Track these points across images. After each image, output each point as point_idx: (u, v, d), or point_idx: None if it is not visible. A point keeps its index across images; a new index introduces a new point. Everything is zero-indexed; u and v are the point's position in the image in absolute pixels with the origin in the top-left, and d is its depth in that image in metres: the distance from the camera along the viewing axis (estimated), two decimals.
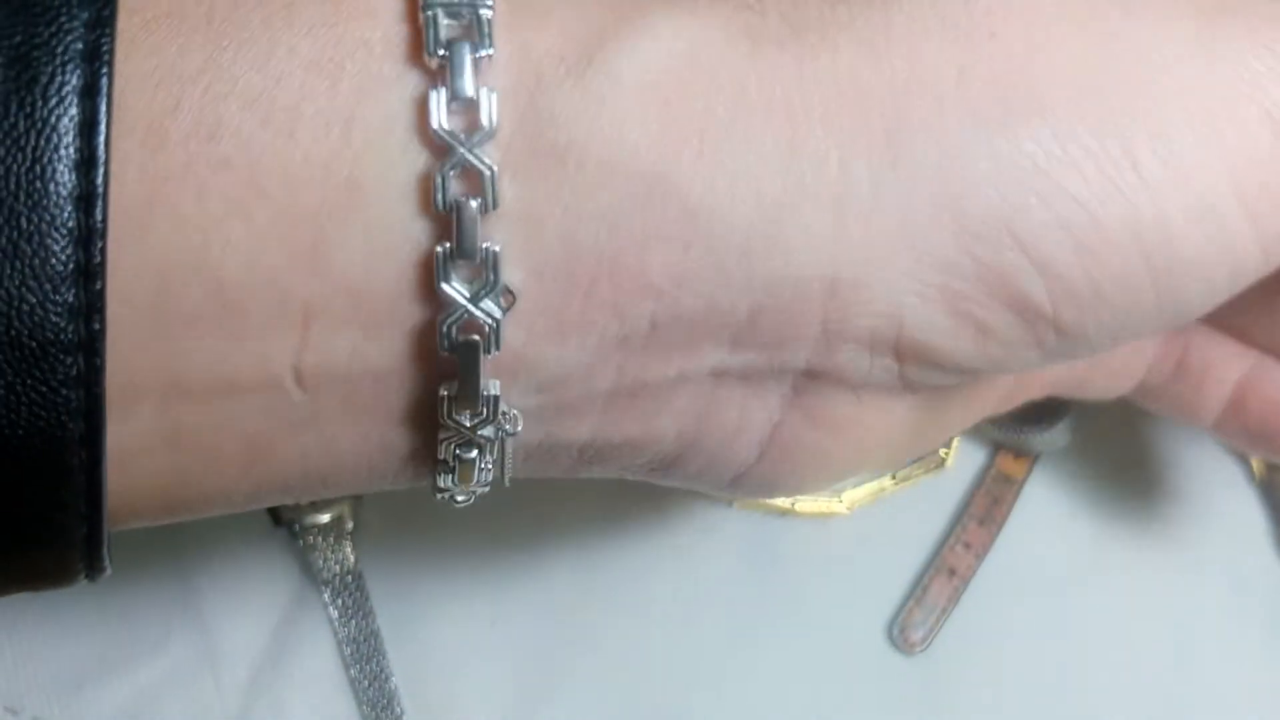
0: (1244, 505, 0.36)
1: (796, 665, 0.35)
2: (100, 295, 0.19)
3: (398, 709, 0.34)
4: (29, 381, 0.19)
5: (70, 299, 0.19)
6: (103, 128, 0.19)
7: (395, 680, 0.34)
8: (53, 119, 0.19)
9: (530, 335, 0.21)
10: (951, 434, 0.29)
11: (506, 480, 0.23)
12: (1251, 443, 0.31)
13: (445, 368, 0.21)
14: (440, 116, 0.20)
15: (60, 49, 0.19)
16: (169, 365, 0.20)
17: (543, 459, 0.24)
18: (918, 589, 0.35)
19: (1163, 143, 0.22)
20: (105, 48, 0.19)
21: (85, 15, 0.19)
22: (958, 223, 0.21)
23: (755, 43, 0.21)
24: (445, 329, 0.20)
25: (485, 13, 0.20)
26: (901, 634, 0.35)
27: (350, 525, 0.35)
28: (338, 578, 0.35)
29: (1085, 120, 0.22)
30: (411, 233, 0.20)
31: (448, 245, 0.20)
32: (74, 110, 0.19)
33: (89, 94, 0.19)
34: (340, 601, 0.35)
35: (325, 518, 0.35)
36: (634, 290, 0.21)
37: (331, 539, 0.35)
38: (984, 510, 0.36)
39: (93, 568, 0.22)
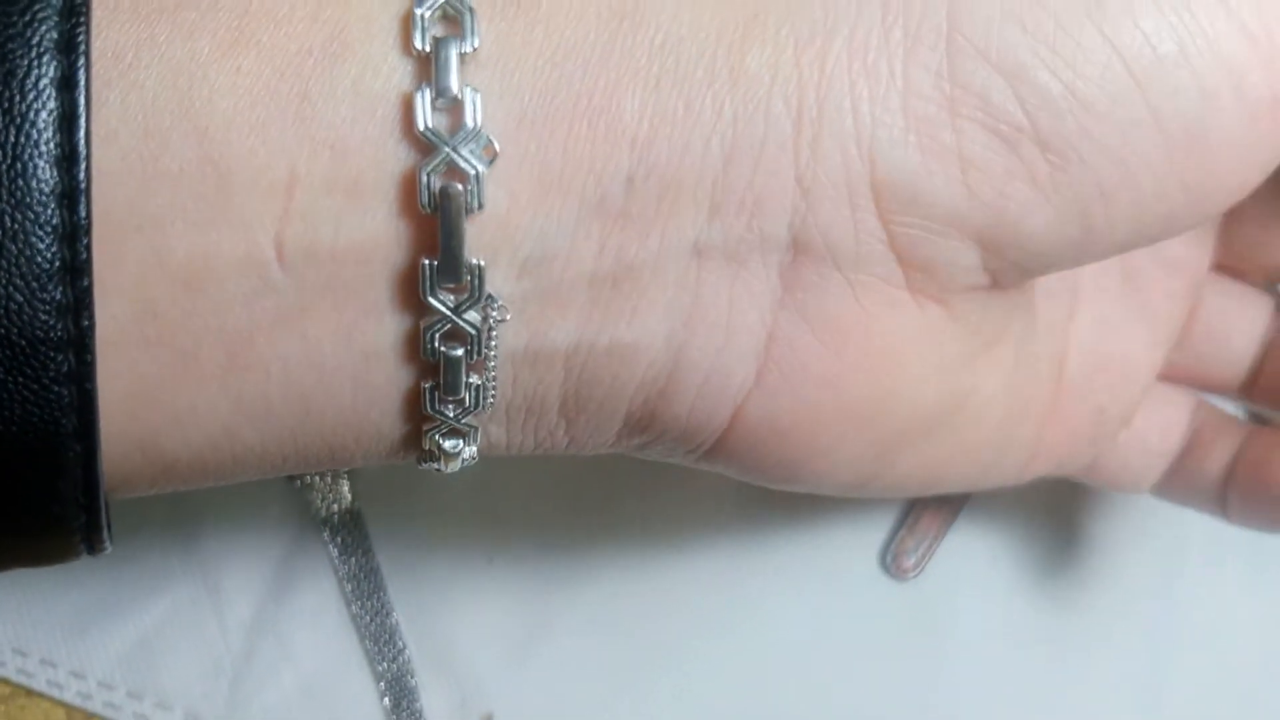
0: None
1: (791, 594, 0.35)
2: (88, 292, 0.19)
3: (400, 643, 0.35)
4: (20, 379, 0.19)
5: (58, 296, 0.18)
6: (82, 122, 0.18)
7: (396, 615, 0.35)
8: (31, 114, 0.18)
9: (512, 199, 0.21)
10: (982, 392, 0.26)
11: (490, 400, 0.22)
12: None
13: (427, 238, 0.21)
14: None
15: (35, 39, 0.18)
16: (149, 227, 0.20)
17: (529, 380, 0.23)
18: (910, 516, 0.35)
19: None
20: (80, 38, 0.19)
21: (58, 2, 0.19)
22: (912, 34, 0.21)
23: None
24: (426, 179, 0.20)
25: None
26: (894, 561, 0.35)
27: None
28: (336, 516, 0.35)
29: None
30: (393, 79, 0.20)
31: (428, 89, 0.20)
32: (52, 104, 0.18)
33: (66, 86, 0.18)
34: (339, 539, 0.35)
35: None
36: (610, 138, 0.21)
37: (329, 478, 0.35)
38: None
39: (93, 548, 0.22)
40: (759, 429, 0.23)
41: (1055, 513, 0.35)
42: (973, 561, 0.35)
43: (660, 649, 0.35)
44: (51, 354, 0.19)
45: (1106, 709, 0.34)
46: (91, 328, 0.19)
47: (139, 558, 0.35)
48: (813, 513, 0.36)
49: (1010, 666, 0.35)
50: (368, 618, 0.35)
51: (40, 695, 0.34)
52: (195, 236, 0.20)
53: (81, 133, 0.18)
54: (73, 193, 0.18)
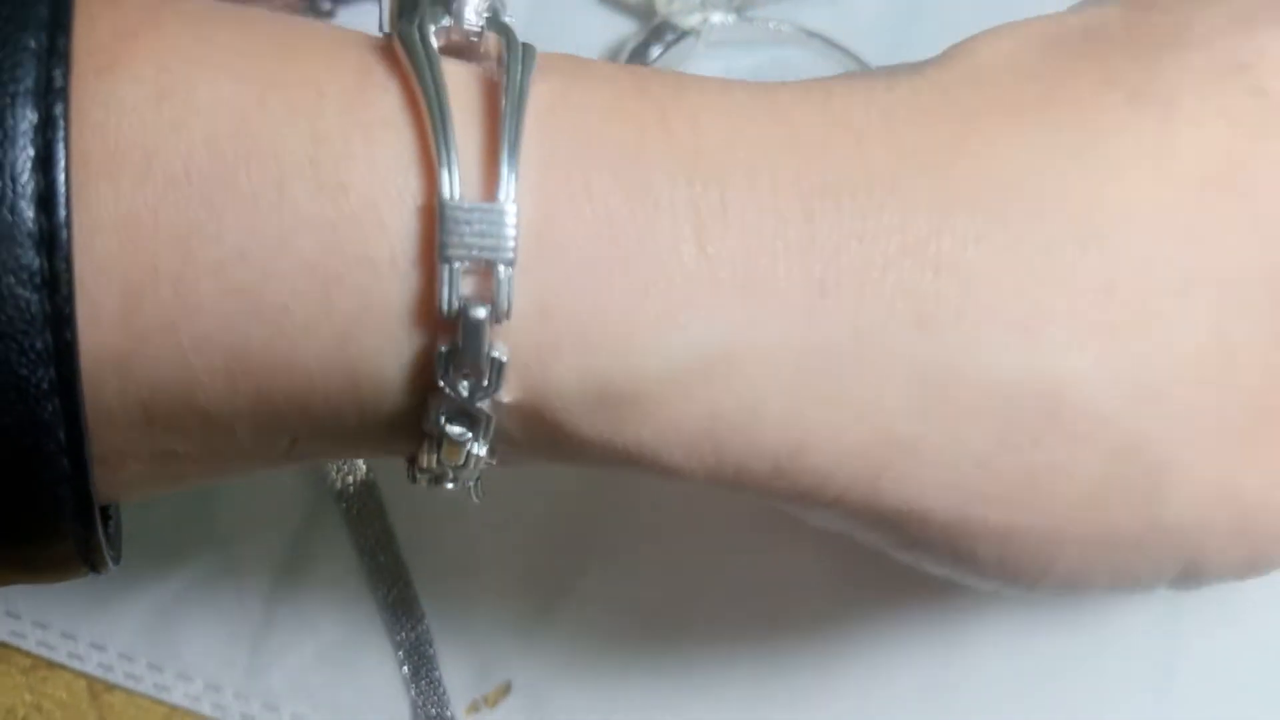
0: None
1: (808, 556, 0.35)
2: (75, 373, 0.19)
3: (418, 612, 0.35)
4: (17, 473, 0.19)
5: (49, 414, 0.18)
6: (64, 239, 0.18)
7: (414, 585, 0.35)
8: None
9: (507, 450, 0.23)
10: None
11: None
12: None
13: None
14: (439, 375, 0.20)
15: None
16: (157, 443, 0.20)
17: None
18: None
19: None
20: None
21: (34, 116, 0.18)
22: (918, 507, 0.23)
23: (813, 328, 0.21)
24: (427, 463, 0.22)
25: (504, 272, 0.20)
26: None
27: None
28: (351, 488, 0.35)
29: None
30: (407, 449, 0.22)
31: (437, 458, 0.22)
32: (29, 164, 0.18)
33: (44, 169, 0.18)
34: (355, 510, 0.35)
35: None
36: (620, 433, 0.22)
37: None
38: None
39: (96, 571, 0.22)
40: None
41: None
42: None
43: (678, 614, 0.35)
44: (45, 439, 0.19)
45: (1123, 669, 0.34)
46: (81, 417, 0.19)
47: (157, 531, 0.35)
48: None
49: (1023, 632, 0.35)
50: (385, 587, 0.35)
51: (62, 667, 0.34)
52: (203, 449, 0.21)
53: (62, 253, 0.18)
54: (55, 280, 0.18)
